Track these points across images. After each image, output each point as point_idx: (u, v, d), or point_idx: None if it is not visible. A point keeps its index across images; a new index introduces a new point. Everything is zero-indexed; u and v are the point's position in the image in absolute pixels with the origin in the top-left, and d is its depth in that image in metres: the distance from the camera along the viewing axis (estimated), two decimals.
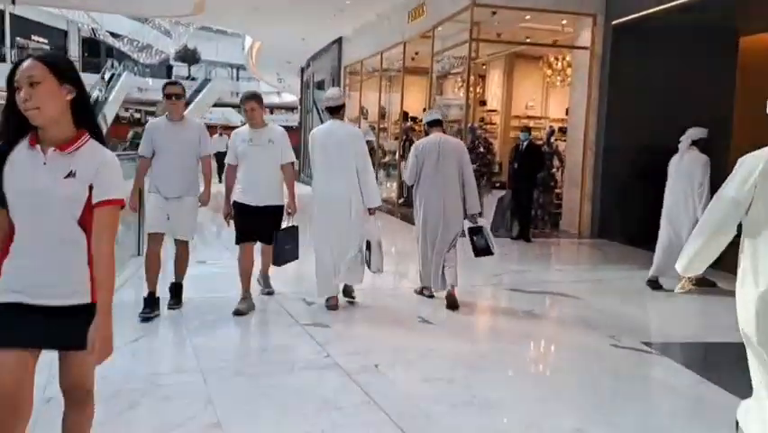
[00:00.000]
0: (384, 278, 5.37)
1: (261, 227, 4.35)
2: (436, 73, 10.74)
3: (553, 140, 9.73)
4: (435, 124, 4.87)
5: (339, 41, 14.79)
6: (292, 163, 4.48)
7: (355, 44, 13.86)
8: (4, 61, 29.01)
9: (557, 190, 9.50)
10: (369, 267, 4.56)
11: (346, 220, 4.42)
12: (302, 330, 4.12)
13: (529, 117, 11.35)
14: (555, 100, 11.70)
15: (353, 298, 4.79)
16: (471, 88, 9.71)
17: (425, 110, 8.98)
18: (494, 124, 11.49)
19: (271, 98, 38.11)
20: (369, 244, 4.49)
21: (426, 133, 4.97)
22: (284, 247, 4.42)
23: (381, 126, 13.87)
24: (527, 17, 9.19)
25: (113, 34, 31.43)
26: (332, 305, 4.51)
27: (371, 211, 4.52)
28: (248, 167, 4.35)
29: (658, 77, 7.86)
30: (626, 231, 7.89)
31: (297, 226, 4.53)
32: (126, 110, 41.92)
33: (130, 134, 24.65)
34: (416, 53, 11.16)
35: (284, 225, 4.47)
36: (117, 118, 38.64)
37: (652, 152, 6.54)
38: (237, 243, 4.43)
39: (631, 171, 7.87)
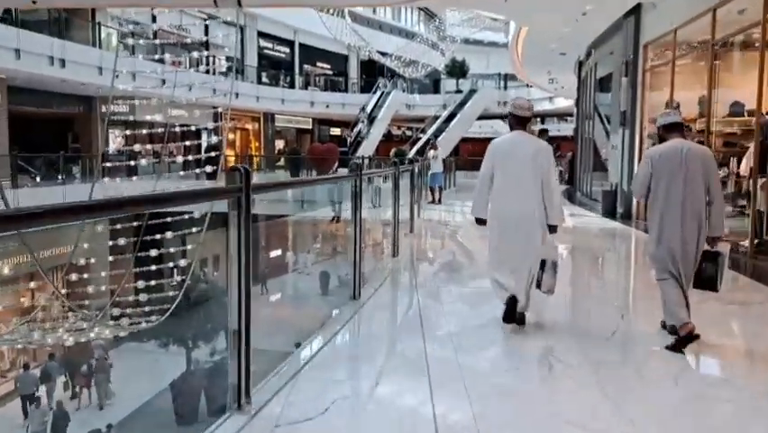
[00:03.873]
0: None
1: None
2: None
3: None
4: (674, 128, 4.09)
5: (636, 9, 10.76)
6: None
7: (666, 7, 9.72)
8: (293, 87, 31.83)
9: None
10: (539, 287, 4.18)
11: (526, 238, 4.14)
12: None
13: None
14: None
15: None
16: None
17: None
18: None
19: (542, 105, 34.48)
20: (543, 264, 4.16)
21: (662, 140, 4.17)
22: None
23: (700, 128, 9.47)
24: None
25: (382, 53, 32.03)
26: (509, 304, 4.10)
27: (553, 229, 4.20)
28: None
29: None
30: None
31: None
32: (399, 128, 43.37)
33: (392, 152, 24.20)
34: None
35: None
36: (390, 135, 40.06)
37: None
38: None
39: None
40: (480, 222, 4.31)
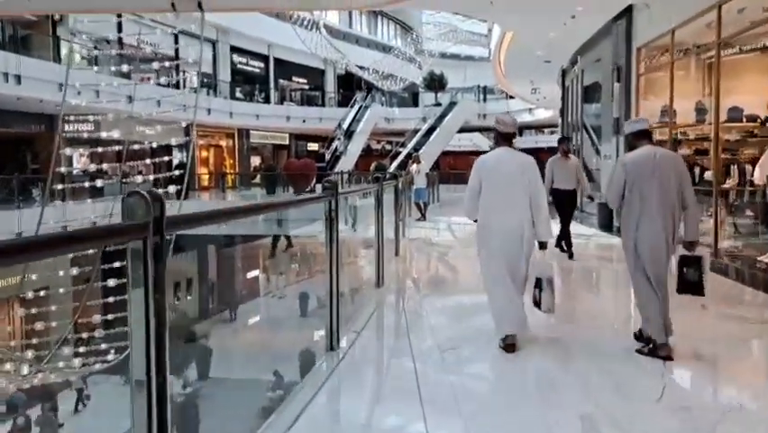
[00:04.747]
0: None
1: None
2: None
3: None
4: (644, 135, 4.16)
5: (628, 11, 10.17)
6: None
7: (660, 9, 9.14)
8: (269, 102, 30.99)
9: None
10: (538, 307, 4.11)
11: (517, 255, 4.07)
12: None
13: None
14: None
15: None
16: None
17: None
18: None
19: (522, 116, 34.11)
20: (539, 282, 4.09)
21: (632, 147, 4.21)
22: None
23: (698, 135, 8.89)
24: None
25: (360, 67, 31.46)
26: (508, 344, 3.96)
27: (542, 246, 4.17)
28: None
29: None
30: None
31: None
32: (378, 142, 42.65)
33: (373, 166, 23.44)
34: None
35: None
36: (369, 150, 39.29)
37: None
38: None
39: None
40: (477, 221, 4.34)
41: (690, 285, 3.97)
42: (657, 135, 9.77)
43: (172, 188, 9.95)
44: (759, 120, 8.36)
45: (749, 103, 8.05)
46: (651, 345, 3.83)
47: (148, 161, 10.21)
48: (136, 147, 10.50)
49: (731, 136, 8.26)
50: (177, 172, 10.39)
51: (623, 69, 10.33)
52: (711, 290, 4.13)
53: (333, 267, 3.61)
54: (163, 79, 13.45)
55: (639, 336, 4.05)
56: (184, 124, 10.44)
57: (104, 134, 10.37)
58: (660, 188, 3.87)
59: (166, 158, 10.07)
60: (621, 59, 10.49)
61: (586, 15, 10.53)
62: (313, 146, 35.37)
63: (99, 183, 9.51)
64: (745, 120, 8.36)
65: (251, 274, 15.98)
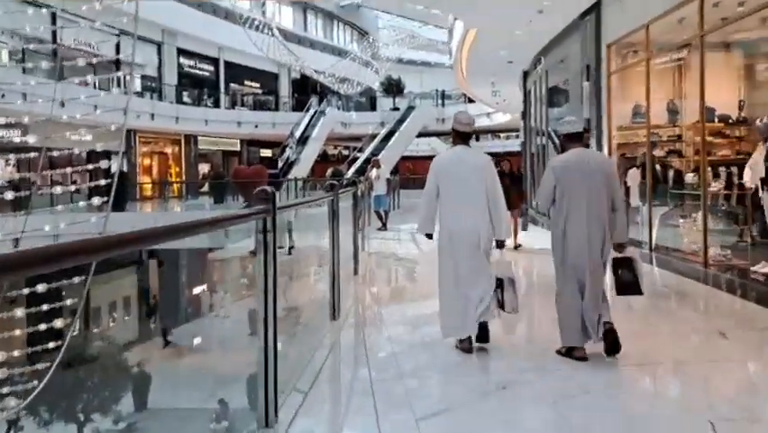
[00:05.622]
0: None
1: None
2: None
3: None
4: (577, 137, 4.09)
5: (596, 6, 9.54)
6: None
7: (631, 4, 8.53)
8: (218, 107, 29.60)
9: None
10: (502, 308, 4.06)
11: (475, 255, 4.03)
12: None
13: None
14: None
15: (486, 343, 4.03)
16: None
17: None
18: None
19: (480, 121, 33.78)
20: (500, 282, 4.06)
21: (563, 149, 4.19)
22: None
23: (671, 135, 8.36)
24: None
25: (315, 71, 30.49)
26: (465, 348, 3.98)
27: (500, 244, 4.16)
28: None
29: None
30: None
31: None
32: (335, 147, 41.59)
33: (329, 172, 22.45)
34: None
35: None
36: (325, 155, 38.20)
37: None
38: None
39: None
40: (429, 237, 4.31)
41: (627, 286, 4.00)
42: (632, 137, 9.22)
43: (96, 200, 8.72)
44: (731, 120, 7.91)
45: (719, 103, 7.59)
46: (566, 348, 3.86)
47: (68, 169, 8.95)
48: (56, 154, 9.20)
49: (709, 138, 7.71)
50: (103, 182, 9.16)
51: (592, 67, 9.69)
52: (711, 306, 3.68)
53: (267, 318, 2.54)
54: (90, 77, 12.17)
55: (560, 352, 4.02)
56: (113, 128, 9.19)
57: (16, 140, 9.06)
58: (589, 192, 3.84)
59: (90, 166, 8.83)
60: (589, 57, 9.87)
61: (553, 12, 9.86)
62: (266, 152, 34.10)
63: (9, 195, 8.22)
64: (716, 120, 7.88)
65: (196, 291, 14.74)
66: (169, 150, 28.35)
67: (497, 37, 11.74)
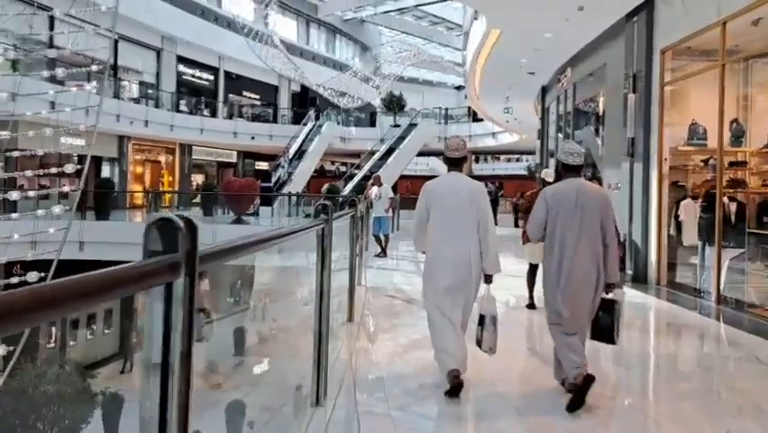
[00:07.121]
0: None
1: None
2: None
3: None
4: (574, 168, 3.94)
5: (647, 4, 8.36)
6: None
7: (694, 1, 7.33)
8: (215, 116, 28.52)
9: None
10: (479, 346, 3.91)
11: (465, 286, 3.89)
12: None
13: None
14: None
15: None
16: None
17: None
18: None
19: (485, 141, 32.74)
20: (482, 319, 3.91)
21: (559, 177, 4.22)
22: None
23: (732, 161, 7.20)
24: None
25: (316, 84, 29.56)
26: (454, 384, 3.67)
27: (488, 279, 3.96)
28: None
29: None
30: None
31: None
32: (332, 163, 40.44)
33: (324, 189, 21.25)
34: None
35: None
36: (322, 171, 37.01)
37: None
38: None
39: None
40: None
41: (601, 332, 3.80)
42: (692, 160, 7.98)
43: (57, 209, 7.56)
44: None
45: None
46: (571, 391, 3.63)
47: (29, 172, 7.75)
48: (17, 154, 8.02)
49: None
50: (66, 189, 7.97)
51: (641, 77, 8.43)
52: None
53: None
54: (62, 71, 11.04)
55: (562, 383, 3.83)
56: (82, 128, 8.06)
57: None
58: (581, 224, 3.76)
59: (54, 170, 7.66)
60: (637, 64, 8.55)
61: (595, 9, 8.65)
62: (262, 165, 32.98)
63: None
64: None
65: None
66: (162, 158, 27.22)
67: (522, 40, 10.56)
